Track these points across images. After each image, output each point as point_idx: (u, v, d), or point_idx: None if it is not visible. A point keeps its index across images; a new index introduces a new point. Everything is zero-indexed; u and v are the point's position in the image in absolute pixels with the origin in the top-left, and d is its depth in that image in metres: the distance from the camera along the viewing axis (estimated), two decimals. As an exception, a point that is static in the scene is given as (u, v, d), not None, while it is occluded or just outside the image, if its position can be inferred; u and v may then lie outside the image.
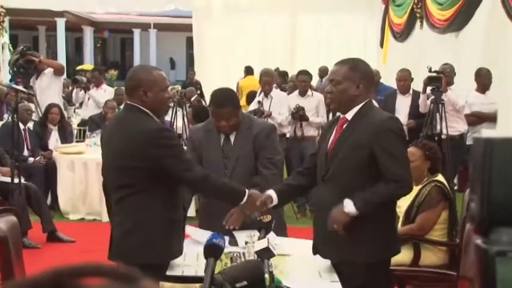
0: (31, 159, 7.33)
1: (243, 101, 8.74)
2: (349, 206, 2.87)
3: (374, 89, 7.13)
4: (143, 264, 2.70)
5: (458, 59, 8.47)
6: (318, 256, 3.09)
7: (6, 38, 11.37)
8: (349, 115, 3.01)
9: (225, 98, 3.63)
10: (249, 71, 11.64)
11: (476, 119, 7.32)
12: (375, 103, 3.30)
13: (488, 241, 1.21)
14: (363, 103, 2.99)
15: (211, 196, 3.24)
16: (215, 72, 12.39)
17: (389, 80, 8.61)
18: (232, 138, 3.70)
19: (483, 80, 7.30)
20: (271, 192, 3.17)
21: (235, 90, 6.45)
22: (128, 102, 3.06)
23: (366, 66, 3.09)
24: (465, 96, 7.20)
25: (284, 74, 10.95)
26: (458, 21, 8.01)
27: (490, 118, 7.20)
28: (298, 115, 7.14)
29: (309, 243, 3.17)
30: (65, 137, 8.05)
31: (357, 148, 2.92)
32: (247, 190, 3.12)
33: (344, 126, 3.02)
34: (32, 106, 8.17)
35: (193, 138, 3.84)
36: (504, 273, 1.16)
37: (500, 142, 1.28)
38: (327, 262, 3.09)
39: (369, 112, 2.98)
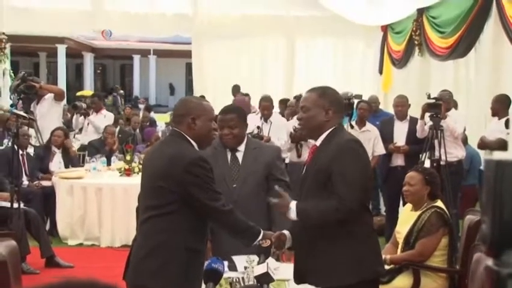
0: (26, 182, 7.30)
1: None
2: (293, 211, 2.94)
3: (371, 114, 7.18)
4: None
5: (460, 85, 8.51)
6: None
7: (7, 64, 11.44)
8: (319, 141, 3.04)
9: (232, 107, 3.80)
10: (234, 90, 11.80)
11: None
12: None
13: (499, 263, 1.21)
14: (332, 128, 3.01)
15: (230, 230, 3.13)
16: (214, 97, 12.42)
17: (390, 106, 8.60)
18: (239, 156, 3.73)
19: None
20: (285, 232, 3.17)
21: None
22: (175, 128, 3.08)
23: (335, 93, 3.13)
24: (464, 122, 7.14)
25: (285, 101, 11.00)
26: (461, 49, 8.00)
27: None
28: (298, 135, 7.00)
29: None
30: (70, 160, 8.05)
31: (318, 173, 2.94)
32: (262, 230, 3.11)
33: (314, 152, 3.05)
34: (33, 131, 8.19)
35: None
36: (516, 295, 1.16)
37: (512, 164, 1.28)
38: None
39: (335, 137, 2.98)
